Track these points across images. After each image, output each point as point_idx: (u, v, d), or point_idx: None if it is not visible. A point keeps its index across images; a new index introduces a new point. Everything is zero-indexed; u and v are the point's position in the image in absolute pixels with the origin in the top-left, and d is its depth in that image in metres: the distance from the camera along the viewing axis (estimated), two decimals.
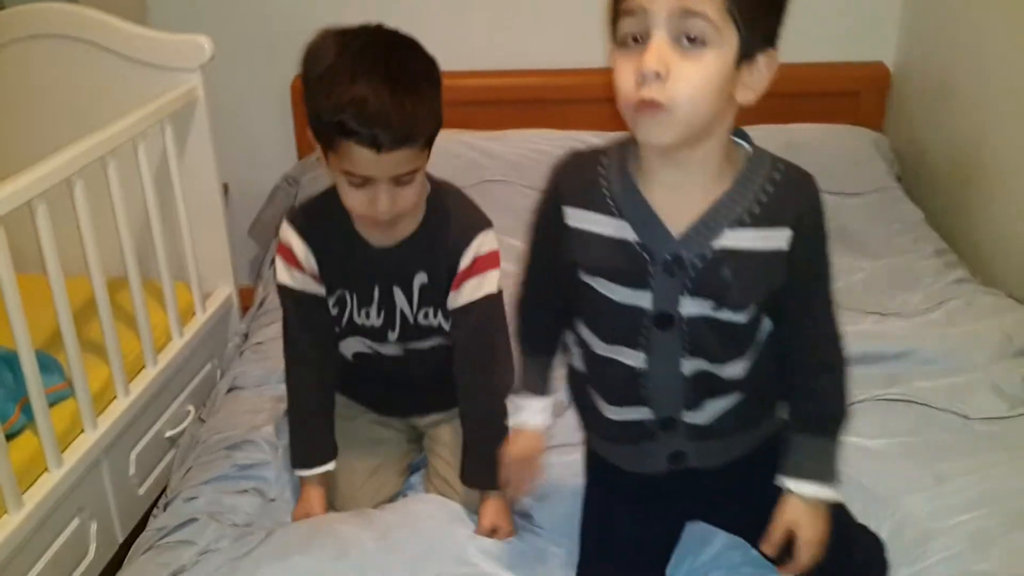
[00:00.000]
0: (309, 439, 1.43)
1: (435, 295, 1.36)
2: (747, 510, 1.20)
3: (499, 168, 2.36)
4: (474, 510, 1.38)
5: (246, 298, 2.23)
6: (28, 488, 1.51)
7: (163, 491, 1.58)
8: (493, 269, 1.35)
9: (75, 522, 1.64)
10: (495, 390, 1.31)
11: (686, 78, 0.94)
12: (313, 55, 1.22)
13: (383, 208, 1.23)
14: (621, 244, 1.06)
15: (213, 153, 2.05)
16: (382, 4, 2.46)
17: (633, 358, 1.11)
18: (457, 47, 2.50)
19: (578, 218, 1.09)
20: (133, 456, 1.83)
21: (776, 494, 1.14)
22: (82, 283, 1.68)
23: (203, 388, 2.03)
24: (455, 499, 1.40)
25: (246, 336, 1.93)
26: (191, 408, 1.98)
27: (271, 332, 1.85)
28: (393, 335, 1.39)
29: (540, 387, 1.24)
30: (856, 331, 1.76)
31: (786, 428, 1.16)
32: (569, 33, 2.50)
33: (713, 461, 1.18)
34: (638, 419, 1.15)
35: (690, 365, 1.10)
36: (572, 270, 1.12)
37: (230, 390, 1.72)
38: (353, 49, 1.20)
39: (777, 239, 1.05)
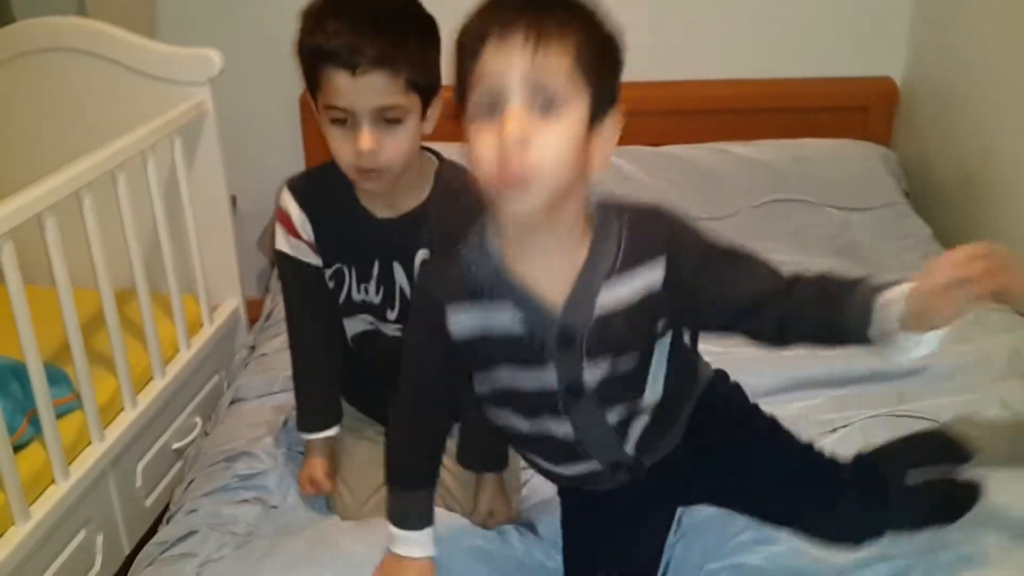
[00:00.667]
0: (312, 403, 1.45)
1: None
2: (720, 472, 1.22)
3: None
4: (478, 522, 1.38)
5: (254, 310, 2.23)
6: (35, 500, 1.51)
7: (169, 503, 1.58)
8: None
9: (81, 534, 1.63)
10: None
11: (547, 144, 0.93)
12: (306, 9, 1.26)
13: (365, 146, 1.20)
14: (507, 333, 1.06)
15: (222, 166, 2.06)
16: None
17: (561, 427, 1.12)
18: None
19: (458, 317, 1.07)
20: (140, 468, 1.83)
21: (736, 437, 1.22)
22: (91, 295, 1.69)
23: (210, 400, 2.03)
24: (458, 511, 1.40)
25: (253, 348, 1.93)
26: (198, 420, 1.98)
27: (276, 344, 1.86)
28: (392, 314, 1.38)
29: (424, 520, 1.23)
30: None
31: (852, 323, 0.99)
32: None
33: (662, 454, 1.19)
34: (588, 470, 1.18)
35: (613, 415, 1.12)
36: (465, 377, 1.14)
37: (233, 402, 1.72)
38: None
39: (651, 274, 1.04)
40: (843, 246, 2.17)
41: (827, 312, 1.01)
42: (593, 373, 1.07)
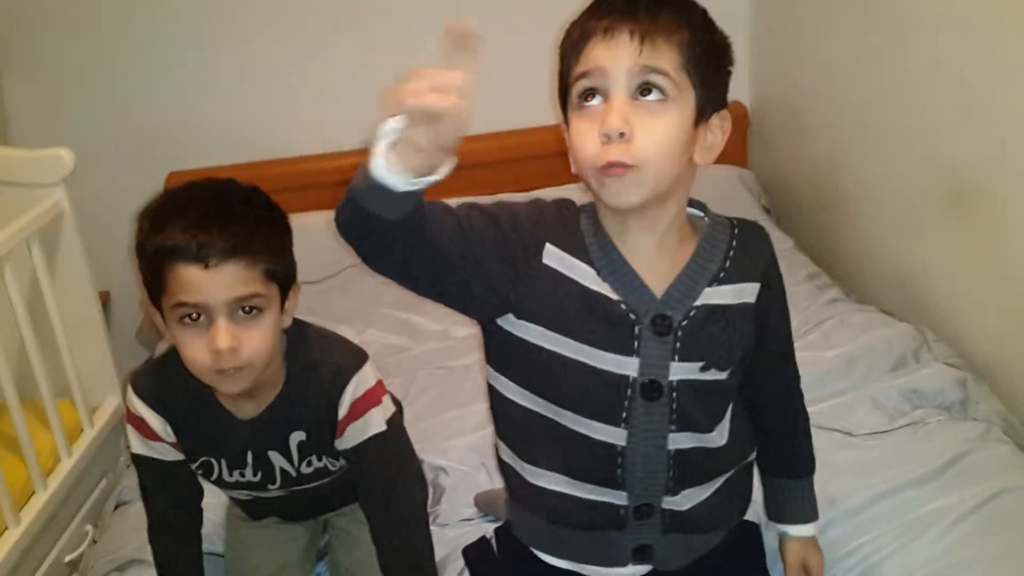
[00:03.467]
0: None
1: (316, 446, 1.27)
2: None
3: None
4: None
5: None
6: None
7: None
8: (375, 407, 1.24)
9: None
10: (405, 519, 1.27)
11: (651, 134, 0.94)
12: (144, 210, 1.15)
13: (223, 343, 1.08)
14: (603, 301, 1.01)
15: (86, 265, 2.00)
16: (250, 91, 2.50)
17: (612, 435, 1.04)
18: (333, 127, 2.53)
19: (557, 259, 1.02)
20: None
21: None
22: None
23: (100, 506, 1.96)
24: None
25: None
26: (89, 528, 1.92)
27: None
28: (274, 487, 1.30)
29: None
30: None
31: (765, 475, 1.22)
32: None
33: (678, 560, 1.13)
34: (610, 502, 1.08)
35: (676, 440, 1.06)
36: (516, 340, 1.03)
37: (118, 506, 1.67)
38: (182, 193, 1.16)
39: (748, 293, 1.07)
40: None
41: (773, 454, 1.22)
42: (678, 372, 1.03)
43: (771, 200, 2.53)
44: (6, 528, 1.69)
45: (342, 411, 1.22)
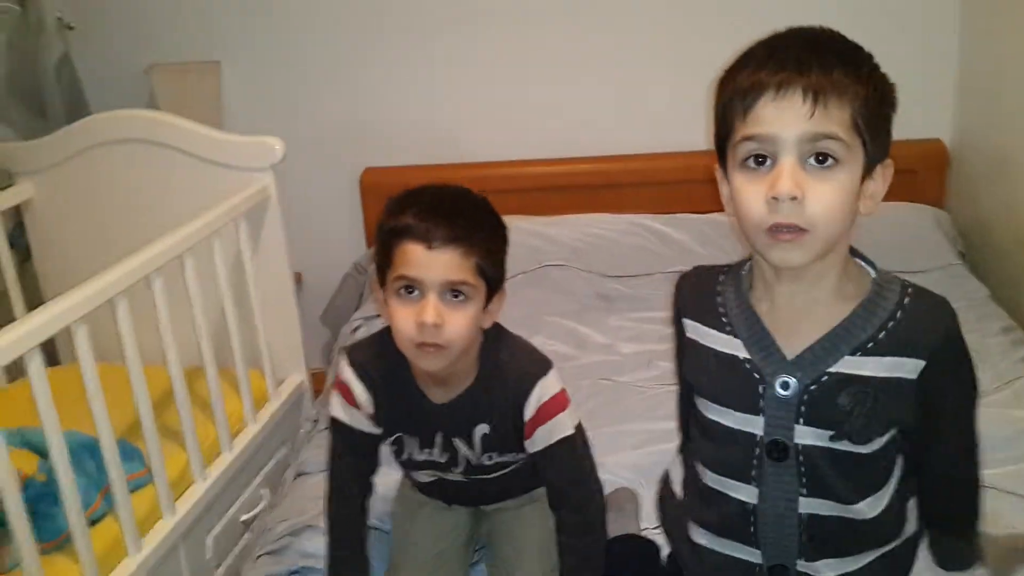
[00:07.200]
0: (347, 569, 1.43)
1: (499, 442, 1.35)
2: None
3: (558, 252, 2.42)
4: None
5: (319, 382, 2.30)
6: (110, 574, 1.57)
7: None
8: (561, 412, 1.32)
9: None
10: (592, 523, 1.36)
11: (822, 199, 0.93)
12: (388, 201, 1.29)
13: (430, 318, 1.20)
14: (731, 361, 1.05)
15: (285, 246, 2.14)
16: (445, 97, 2.60)
17: (745, 493, 1.07)
18: (517, 137, 2.61)
19: (693, 330, 1.11)
20: (210, 540, 1.88)
21: None
22: (162, 371, 1.75)
23: (277, 472, 2.09)
24: None
25: (316, 421, 1.98)
26: (264, 492, 2.04)
27: None
28: (457, 470, 1.39)
29: None
30: None
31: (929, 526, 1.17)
32: (621, 121, 2.60)
33: None
34: (746, 559, 1.10)
35: (810, 504, 1.05)
36: (690, 392, 1.15)
37: (297, 476, 1.76)
38: (422, 188, 1.29)
39: (906, 368, 1.01)
40: None
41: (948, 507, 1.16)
42: (804, 437, 1.02)
43: (967, 245, 2.41)
44: (193, 482, 1.83)
45: (528, 413, 1.31)
